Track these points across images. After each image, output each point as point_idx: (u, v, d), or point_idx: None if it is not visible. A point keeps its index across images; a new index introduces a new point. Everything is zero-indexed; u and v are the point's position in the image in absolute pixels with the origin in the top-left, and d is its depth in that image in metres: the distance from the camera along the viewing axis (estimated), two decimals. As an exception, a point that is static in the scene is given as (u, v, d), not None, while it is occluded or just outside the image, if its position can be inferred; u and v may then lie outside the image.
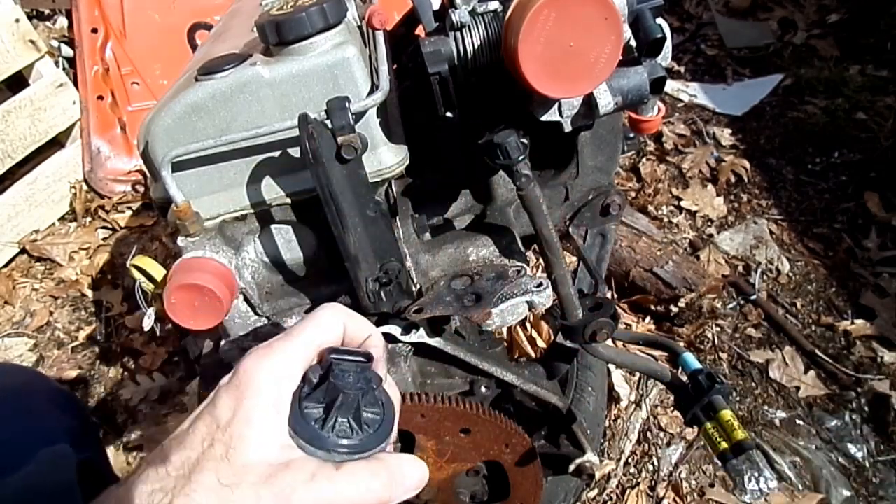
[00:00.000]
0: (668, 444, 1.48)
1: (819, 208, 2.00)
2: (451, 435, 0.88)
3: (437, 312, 0.76)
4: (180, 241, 0.74)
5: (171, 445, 0.47)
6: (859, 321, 1.67)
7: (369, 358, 0.52)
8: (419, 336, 0.88)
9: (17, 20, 2.15)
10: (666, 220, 2.04)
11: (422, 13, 0.77)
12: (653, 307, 1.71)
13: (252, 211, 0.76)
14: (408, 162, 0.76)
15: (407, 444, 0.88)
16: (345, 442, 0.48)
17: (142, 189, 2.33)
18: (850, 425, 1.50)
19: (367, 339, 0.54)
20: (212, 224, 0.76)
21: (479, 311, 0.74)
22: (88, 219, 2.30)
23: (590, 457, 1.06)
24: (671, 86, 2.57)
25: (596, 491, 1.41)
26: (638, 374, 1.59)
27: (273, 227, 0.79)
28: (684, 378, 0.88)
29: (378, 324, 0.86)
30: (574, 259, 1.20)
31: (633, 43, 0.69)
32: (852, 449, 1.45)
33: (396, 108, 0.80)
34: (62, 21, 2.60)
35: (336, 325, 0.53)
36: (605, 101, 0.68)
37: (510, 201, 0.90)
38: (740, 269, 1.86)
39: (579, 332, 0.82)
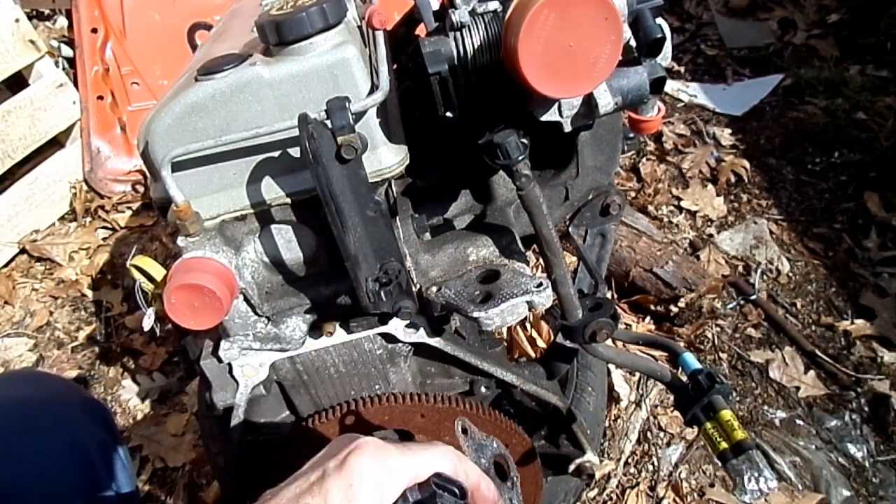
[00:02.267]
0: (668, 444, 1.48)
1: (819, 208, 2.00)
2: (451, 435, 0.88)
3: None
4: (180, 241, 0.74)
5: None
6: (859, 321, 1.67)
7: (465, 495, 0.52)
8: (419, 336, 0.88)
9: (17, 20, 2.15)
10: (666, 220, 2.04)
11: (423, 13, 0.77)
12: (653, 307, 1.71)
13: (252, 211, 0.76)
14: (408, 162, 0.76)
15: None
16: None
17: (142, 189, 2.33)
18: (850, 425, 1.50)
19: (477, 490, 0.55)
20: (212, 224, 0.76)
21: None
22: (88, 219, 2.30)
23: (590, 457, 1.06)
24: (671, 86, 2.57)
25: (596, 491, 1.41)
26: (638, 374, 1.59)
27: (273, 227, 0.79)
28: (684, 378, 0.88)
29: (378, 324, 0.86)
30: (574, 259, 1.20)
31: (633, 43, 0.69)
32: (852, 449, 1.45)
33: (396, 108, 0.80)
34: (62, 21, 2.61)
35: (450, 467, 0.53)
36: (605, 101, 0.68)
37: (510, 201, 0.90)
38: (740, 269, 1.86)
39: (579, 332, 0.82)
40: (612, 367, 1.53)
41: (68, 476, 0.80)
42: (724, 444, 0.78)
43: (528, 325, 1.58)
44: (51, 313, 2.01)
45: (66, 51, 2.46)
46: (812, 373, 1.58)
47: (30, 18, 2.29)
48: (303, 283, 0.83)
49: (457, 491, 0.51)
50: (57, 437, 0.81)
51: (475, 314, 0.73)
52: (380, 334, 0.89)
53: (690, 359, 0.89)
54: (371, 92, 0.70)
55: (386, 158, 0.74)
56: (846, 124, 2.20)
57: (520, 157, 0.71)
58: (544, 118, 0.71)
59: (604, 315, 0.82)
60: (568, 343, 0.93)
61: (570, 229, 0.96)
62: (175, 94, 0.69)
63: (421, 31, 0.82)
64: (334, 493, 0.48)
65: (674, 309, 1.65)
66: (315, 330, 0.85)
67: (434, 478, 0.51)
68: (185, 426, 1.63)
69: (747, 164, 2.16)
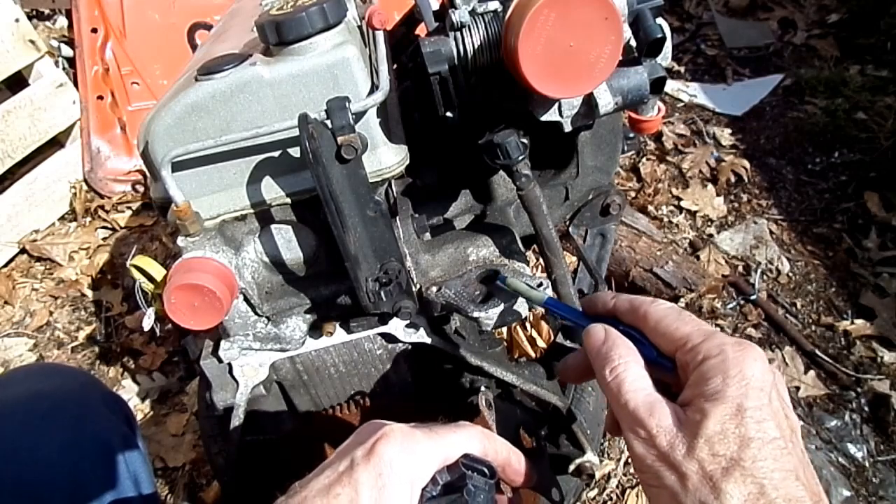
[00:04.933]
0: (668, 444, 1.48)
1: (819, 208, 2.00)
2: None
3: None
4: (180, 241, 0.74)
5: None
6: (859, 321, 1.67)
7: (494, 473, 0.53)
8: (419, 336, 0.88)
9: (17, 20, 2.15)
10: (666, 220, 2.04)
11: (423, 13, 0.77)
12: (653, 307, 1.71)
13: (252, 211, 0.76)
14: (408, 162, 0.76)
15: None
16: None
17: (142, 189, 2.33)
18: (850, 425, 1.50)
19: (508, 464, 0.56)
20: (212, 224, 0.76)
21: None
22: (88, 219, 2.30)
23: (590, 457, 1.06)
24: (671, 86, 2.57)
25: (596, 491, 1.41)
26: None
27: (273, 227, 0.79)
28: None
29: (378, 323, 0.86)
30: (574, 259, 1.20)
31: (633, 43, 0.69)
32: (852, 449, 1.45)
33: (396, 108, 0.80)
34: (62, 21, 2.61)
35: (478, 446, 0.54)
36: (605, 101, 0.68)
37: (510, 201, 0.90)
38: (740, 269, 1.86)
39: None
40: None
41: (92, 473, 0.80)
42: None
43: (528, 325, 1.58)
44: (51, 313, 2.01)
45: (66, 51, 2.46)
46: (812, 373, 1.58)
47: (30, 18, 2.29)
48: (303, 283, 0.83)
49: (486, 470, 0.52)
50: (80, 433, 0.81)
51: (475, 314, 0.73)
52: (380, 334, 0.89)
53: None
54: (371, 92, 0.70)
55: (386, 158, 0.74)
56: (846, 124, 2.20)
57: (520, 157, 0.71)
58: (544, 118, 0.71)
59: (604, 315, 0.82)
60: (568, 343, 0.93)
61: (570, 229, 0.96)
62: (175, 94, 0.69)
63: (421, 31, 0.82)
64: (364, 483, 0.48)
65: (674, 309, 1.65)
66: (315, 330, 0.85)
67: (463, 459, 0.52)
68: (185, 426, 1.63)
69: (747, 164, 2.16)
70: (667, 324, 0.51)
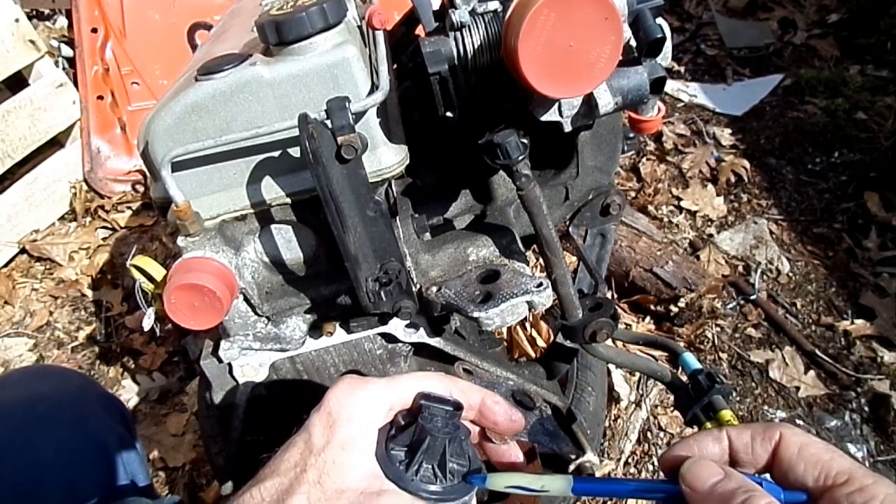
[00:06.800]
0: (668, 444, 1.48)
1: (819, 208, 2.00)
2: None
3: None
4: (180, 241, 0.74)
5: (265, 472, 0.49)
6: (859, 321, 1.67)
7: (458, 407, 0.51)
8: (419, 336, 0.88)
9: (17, 20, 2.15)
10: (666, 220, 2.04)
11: (422, 13, 0.77)
12: (653, 307, 1.71)
13: (252, 211, 0.76)
14: (408, 162, 0.76)
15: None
16: (430, 488, 0.48)
17: (142, 189, 2.33)
18: (850, 425, 1.50)
19: (482, 406, 0.54)
20: (212, 224, 0.76)
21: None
22: (88, 219, 2.30)
23: (590, 457, 1.06)
24: (671, 86, 2.57)
25: (596, 491, 1.41)
26: (638, 374, 1.59)
27: (273, 227, 0.79)
28: (684, 378, 0.88)
29: (378, 323, 0.86)
30: (574, 259, 1.20)
31: (633, 43, 0.69)
32: (852, 449, 1.45)
33: (396, 108, 0.80)
34: (62, 21, 2.61)
35: (440, 387, 0.53)
36: (605, 101, 0.68)
37: (510, 201, 0.90)
38: (740, 269, 1.86)
39: (579, 332, 0.82)
40: (612, 367, 1.53)
41: (90, 475, 0.80)
42: (724, 444, 0.78)
43: (528, 325, 1.58)
44: (51, 313, 2.01)
45: (66, 51, 2.46)
46: (812, 373, 1.58)
47: (30, 18, 2.29)
48: (303, 283, 0.83)
49: (447, 408, 0.50)
50: (78, 434, 0.81)
51: (475, 314, 0.73)
52: (380, 334, 0.89)
53: (690, 359, 0.89)
54: (371, 92, 0.70)
55: (386, 158, 0.74)
56: (846, 124, 2.20)
57: (520, 157, 0.71)
58: (544, 118, 0.71)
59: (604, 315, 0.82)
60: (568, 343, 0.93)
61: (570, 229, 0.96)
62: (175, 94, 0.69)
63: (421, 31, 0.82)
64: (315, 424, 0.49)
65: (674, 309, 1.65)
66: (315, 330, 0.85)
67: (420, 398, 0.51)
68: (185, 426, 1.63)
69: (747, 164, 2.16)
70: (814, 453, 0.43)
